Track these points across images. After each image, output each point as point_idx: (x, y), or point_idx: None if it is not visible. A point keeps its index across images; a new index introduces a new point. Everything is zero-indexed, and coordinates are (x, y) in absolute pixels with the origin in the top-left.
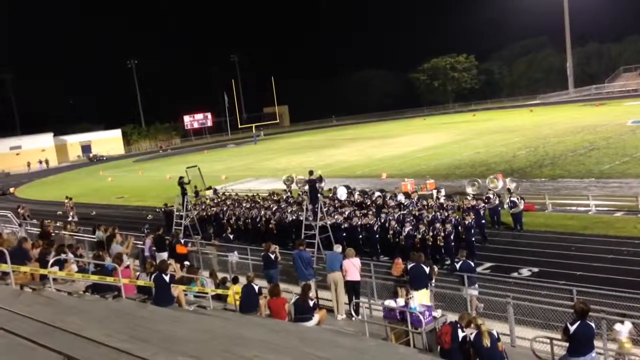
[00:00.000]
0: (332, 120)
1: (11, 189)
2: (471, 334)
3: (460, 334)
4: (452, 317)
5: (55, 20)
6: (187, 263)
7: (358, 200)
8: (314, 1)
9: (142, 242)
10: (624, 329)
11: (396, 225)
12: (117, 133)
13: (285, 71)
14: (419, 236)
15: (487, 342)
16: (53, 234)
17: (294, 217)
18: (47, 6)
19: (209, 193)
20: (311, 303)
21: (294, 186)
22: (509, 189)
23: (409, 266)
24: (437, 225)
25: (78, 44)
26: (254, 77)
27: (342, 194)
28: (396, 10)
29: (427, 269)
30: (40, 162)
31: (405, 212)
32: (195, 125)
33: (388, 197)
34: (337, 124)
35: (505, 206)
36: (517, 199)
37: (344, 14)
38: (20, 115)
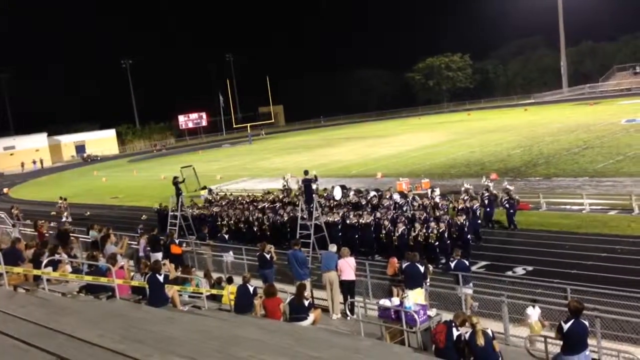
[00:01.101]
0: (321, 121)
1: (5, 190)
2: (466, 332)
3: (455, 333)
4: (447, 316)
5: (50, 20)
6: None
7: (353, 200)
8: (313, 1)
9: (136, 243)
10: (534, 312)
11: (390, 225)
12: (111, 133)
13: (280, 71)
14: (414, 235)
15: (481, 341)
16: (47, 235)
17: (288, 217)
18: (42, 6)
19: (204, 193)
20: (306, 303)
21: (292, 186)
22: (506, 189)
23: (404, 265)
24: (432, 224)
25: (72, 44)
26: (250, 77)
27: (337, 193)
28: (394, 11)
29: (421, 268)
30: (35, 162)
31: (400, 211)
32: (190, 125)
33: (385, 197)
34: (325, 124)
35: (502, 207)
36: (510, 198)
37: (343, 14)
38: (14, 115)
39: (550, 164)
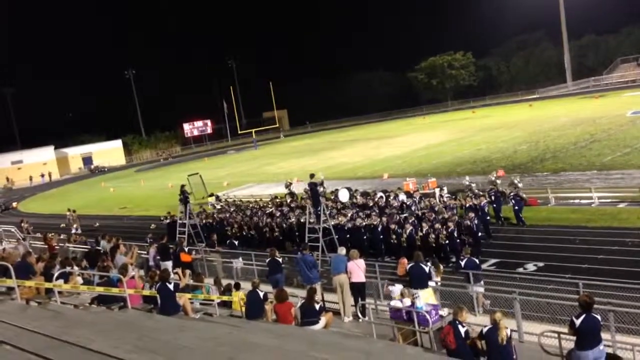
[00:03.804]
0: (308, 126)
1: (14, 204)
2: (486, 327)
3: (462, 330)
4: None
5: (53, 32)
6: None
7: (361, 202)
8: (312, 3)
9: (146, 252)
10: (395, 289)
11: (398, 227)
12: (117, 143)
13: (284, 75)
14: (421, 234)
15: (503, 338)
16: (57, 247)
17: (296, 221)
18: (44, 18)
19: (211, 200)
20: (317, 306)
21: (296, 190)
22: (513, 184)
23: (409, 266)
24: (437, 225)
25: (76, 56)
26: (253, 82)
27: (343, 196)
28: (394, 10)
29: (426, 268)
30: (42, 175)
31: (407, 211)
32: (195, 132)
33: (391, 198)
34: (312, 129)
35: (510, 204)
36: (516, 194)
37: (344, 15)
38: (20, 129)
39: (558, 159)
